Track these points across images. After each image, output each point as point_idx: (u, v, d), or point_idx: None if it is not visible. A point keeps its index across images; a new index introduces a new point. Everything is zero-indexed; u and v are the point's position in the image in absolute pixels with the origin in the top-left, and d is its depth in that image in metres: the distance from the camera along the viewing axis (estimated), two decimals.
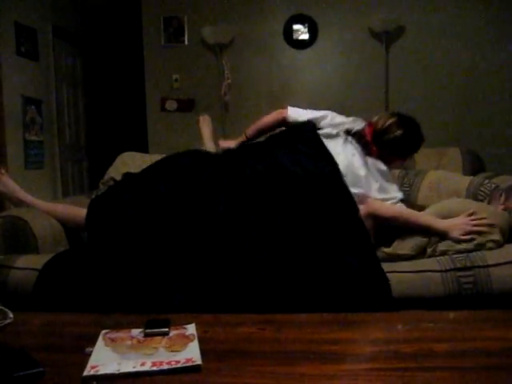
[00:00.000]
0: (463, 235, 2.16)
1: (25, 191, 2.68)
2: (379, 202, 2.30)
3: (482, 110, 5.10)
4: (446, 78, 5.15)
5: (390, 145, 2.46)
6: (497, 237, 2.18)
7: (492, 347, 1.38)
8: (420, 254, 2.22)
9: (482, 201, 2.57)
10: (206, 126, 3.13)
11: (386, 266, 2.13)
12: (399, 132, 2.45)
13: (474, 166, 3.10)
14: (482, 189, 2.62)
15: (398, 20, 5.07)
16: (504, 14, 5.02)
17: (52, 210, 2.60)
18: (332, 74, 5.34)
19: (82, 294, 2.01)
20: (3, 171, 2.70)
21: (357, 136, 2.47)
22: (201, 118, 3.19)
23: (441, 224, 2.21)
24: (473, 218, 2.19)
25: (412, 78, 5.19)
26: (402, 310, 1.87)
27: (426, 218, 2.26)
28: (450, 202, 2.42)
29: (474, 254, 2.10)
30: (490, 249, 2.15)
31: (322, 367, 1.30)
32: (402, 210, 2.32)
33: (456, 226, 2.18)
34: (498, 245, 2.17)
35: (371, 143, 2.46)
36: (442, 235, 2.19)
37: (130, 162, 3.10)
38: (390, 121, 2.47)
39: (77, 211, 2.56)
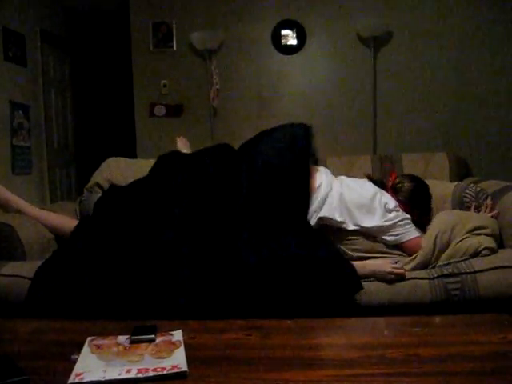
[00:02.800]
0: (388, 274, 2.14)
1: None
2: None
3: (470, 115, 5.13)
4: (434, 83, 5.18)
5: (401, 191, 2.61)
6: (491, 244, 2.20)
7: (478, 351, 1.39)
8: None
9: (467, 203, 2.60)
10: (183, 148, 3.21)
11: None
12: (412, 184, 2.63)
13: (461, 171, 3.12)
14: (468, 191, 2.65)
15: (386, 25, 5.09)
16: (492, 20, 5.06)
17: (43, 217, 2.60)
18: (320, 79, 5.35)
19: (72, 302, 2.01)
20: None
21: (378, 182, 2.63)
22: (178, 140, 3.27)
23: (365, 270, 2.15)
24: (394, 265, 2.17)
25: (399, 83, 5.22)
26: (390, 315, 1.88)
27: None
28: (445, 216, 2.43)
29: (461, 261, 2.12)
30: (485, 256, 2.16)
31: (307, 373, 1.30)
32: None
33: (381, 267, 2.15)
34: (493, 252, 2.18)
35: (389, 188, 2.62)
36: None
37: (116, 168, 3.09)
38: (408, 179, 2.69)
39: (69, 222, 2.56)
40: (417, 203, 2.59)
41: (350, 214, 2.39)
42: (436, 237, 2.25)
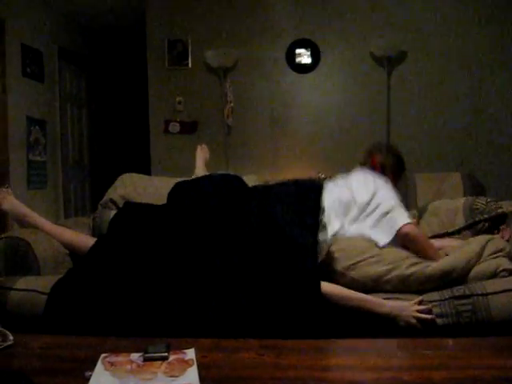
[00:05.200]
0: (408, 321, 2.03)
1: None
2: (332, 285, 2.14)
3: (484, 135, 5.11)
4: (448, 103, 5.18)
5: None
6: (510, 266, 2.19)
7: (491, 375, 1.38)
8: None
9: (477, 210, 2.60)
10: (201, 156, 3.23)
11: (385, 294, 2.13)
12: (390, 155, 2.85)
13: (475, 190, 3.12)
14: (478, 200, 2.68)
15: (400, 45, 5.11)
16: (506, 39, 5.07)
17: (59, 233, 2.61)
18: (334, 98, 5.37)
19: (88, 318, 2.03)
20: (9, 191, 2.72)
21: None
22: (199, 147, 3.31)
23: (384, 308, 2.05)
24: (417, 308, 2.03)
25: (413, 103, 5.23)
26: (402, 337, 1.87)
27: (370, 301, 2.08)
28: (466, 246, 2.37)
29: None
30: (503, 277, 2.15)
31: None
32: (348, 292, 2.12)
33: (401, 311, 2.03)
34: (511, 273, 2.16)
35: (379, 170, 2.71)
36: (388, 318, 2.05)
37: (130, 184, 3.11)
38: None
39: (84, 239, 2.58)
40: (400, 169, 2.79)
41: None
42: (470, 258, 2.21)
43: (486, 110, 5.11)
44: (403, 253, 2.28)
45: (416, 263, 2.20)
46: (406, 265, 2.18)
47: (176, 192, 2.66)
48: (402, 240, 2.33)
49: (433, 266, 2.17)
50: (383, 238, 2.36)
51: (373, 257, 2.24)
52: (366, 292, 2.13)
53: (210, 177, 2.85)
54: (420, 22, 5.21)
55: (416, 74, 5.22)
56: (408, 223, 2.34)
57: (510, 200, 2.83)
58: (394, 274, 2.17)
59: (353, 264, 2.22)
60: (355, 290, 2.12)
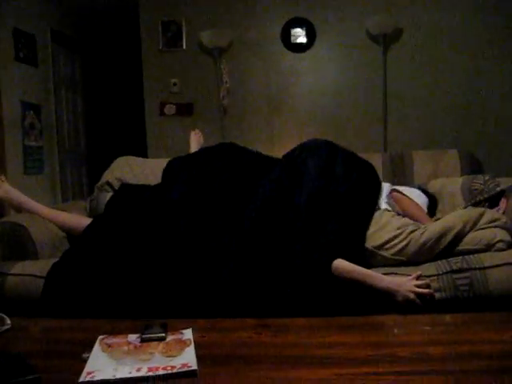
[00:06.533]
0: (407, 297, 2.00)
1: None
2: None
3: (481, 112, 5.08)
4: (444, 80, 5.14)
5: None
6: (506, 237, 2.18)
7: (488, 350, 1.38)
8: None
9: (476, 191, 2.60)
10: (195, 141, 3.25)
11: (384, 270, 2.13)
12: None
13: (472, 168, 3.09)
14: (476, 180, 2.66)
15: (396, 22, 5.06)
16: (503, 17, 5.02)
17: (55, 217, 2.62)
18: (330, 76, 5.34)
19: (85, 300, 2.04)
20: (3, 178, 2.71)
21: None
22: (192, 133, 3.31)
23: (383, 283, 2.03)
24: (416, 283, 2.01)
25: (410, 81, 5.19)
26: (399, 313, 1.87)
27: (370, 276, 2.07)
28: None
29: (471, 256, 2.10)
30: (500, 249, 2.14)
31: (318, 371, 1.30)
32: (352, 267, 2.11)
33: (400, 286, 2.01)
34: (508, 245, 2.16)
35: None
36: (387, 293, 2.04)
37: (126, 167, 3.10)
38: None
39: (81, 221, 2.57)
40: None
41: None
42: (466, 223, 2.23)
43: (482, 87, 5.07)
44: (401, 221, 2.35)
45: (414, 230, 2.25)
46: (406, 233, 2.23)
47: (170, 169, 2.66)
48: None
49: (429, 229, 2.21)
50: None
51: (374, 226, 2.32)
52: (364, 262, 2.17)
53: (205, 150, 2.86)
54: None
55: (412, 52, 5.18)
56: (393, 189, 2.63)
57: (508, 176, 2.82)
58: (396, 241, 2.23)
59: None
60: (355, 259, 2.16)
